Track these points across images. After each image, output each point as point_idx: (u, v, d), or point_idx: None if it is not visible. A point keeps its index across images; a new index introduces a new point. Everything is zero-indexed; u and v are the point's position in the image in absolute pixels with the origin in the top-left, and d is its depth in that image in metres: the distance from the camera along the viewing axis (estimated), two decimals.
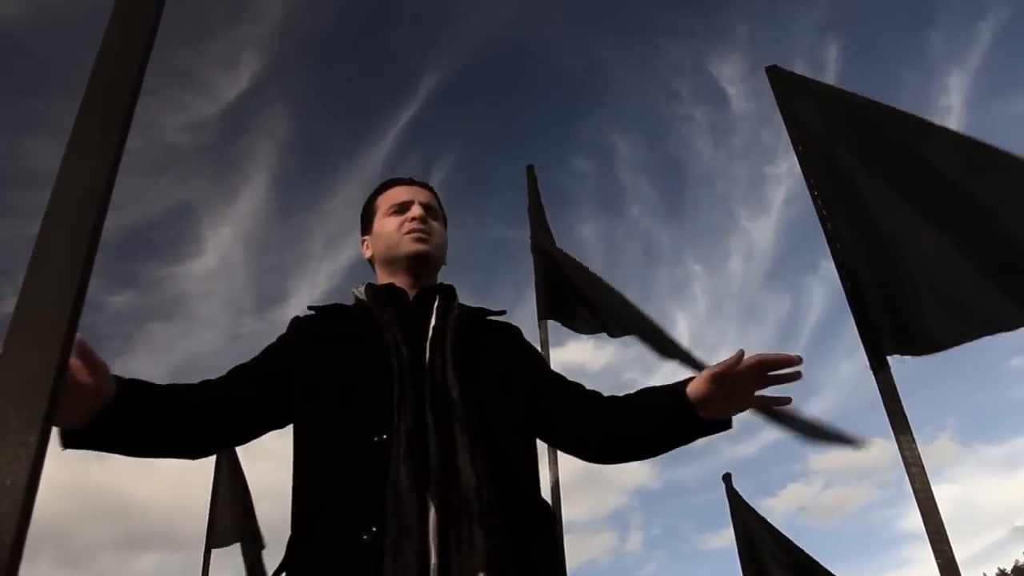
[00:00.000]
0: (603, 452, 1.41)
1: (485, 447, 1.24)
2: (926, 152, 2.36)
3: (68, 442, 1.19)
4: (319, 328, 1.46)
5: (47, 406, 0.75)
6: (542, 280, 4.20)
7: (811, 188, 2.70)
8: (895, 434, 2.43)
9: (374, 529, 1.12)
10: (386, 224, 1.60)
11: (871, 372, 2.47)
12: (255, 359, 1.45)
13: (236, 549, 5.60)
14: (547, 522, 1.31)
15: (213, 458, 5.71)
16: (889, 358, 2.47)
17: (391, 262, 1.57)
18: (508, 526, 1.18)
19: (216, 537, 5.56)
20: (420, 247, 1.54)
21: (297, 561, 1.21)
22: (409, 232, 1.55)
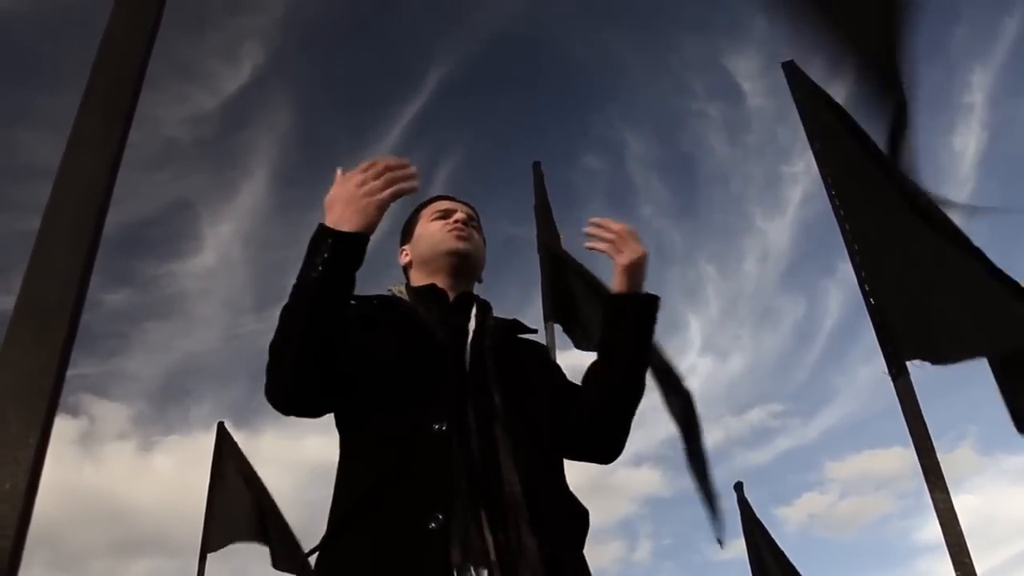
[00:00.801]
0: (609, 410, 1.46)
1: (526, 448, 1.27)
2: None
3: (359, 240, 1.27)
4: (365, 312, 1.45)
5: (47, 407, 0.75)
6: (548, 282, 4.20)
7: (828, 188, 2.70)
8: (914, 442, 2.42)
9: (440, 516, 1.13)
10: (429, 227, 1.64)
11: (889, 378, 2.47)
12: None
13: (232, 555, 5.62)
14: (584, 520, 1.35)
15: (209, 460, 5.74)
16: (908, 364, 2.47)
17: (431, 261, 1.59)
18: (554, 529, 1.22)
19: (212, 541, 5.57)
20: (462, 245, 1.57)
21: (354, 534, 1.21)
22: (452, 230, 1.59)
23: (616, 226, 1.51)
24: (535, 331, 1.64)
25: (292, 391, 1.29)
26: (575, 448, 1.46)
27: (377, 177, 1.31)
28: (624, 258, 1.47)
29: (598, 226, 1.51)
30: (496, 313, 1.59)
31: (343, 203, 1.29)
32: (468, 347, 1.40)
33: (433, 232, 1.62)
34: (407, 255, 1.68)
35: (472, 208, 1.73)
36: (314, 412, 1.35)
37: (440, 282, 1.56)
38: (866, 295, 2.56)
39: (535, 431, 1.33)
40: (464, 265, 1.59)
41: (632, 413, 1.47)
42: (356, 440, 1.33)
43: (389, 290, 1.59)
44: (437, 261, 1.58)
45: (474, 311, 1.52)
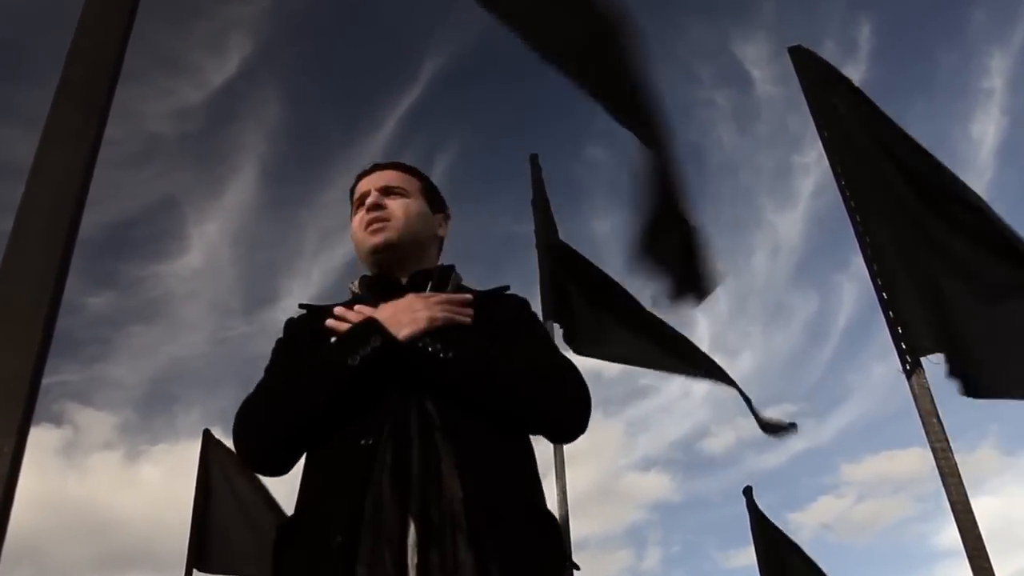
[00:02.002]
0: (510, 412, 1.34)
1: (472, 453, 1.22)
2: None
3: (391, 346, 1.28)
4: (315, 328, 1.44)
5: (23, 414, 0.74)
6: (548, 280, 4.20)
7: (838, 178, 2.69)
8: (930, 442, 2.42)
9: (339, 538, 1.12)
10: (353, 223, 1.62)
11: (904, 376, 2.47)
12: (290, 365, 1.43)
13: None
14: (550, 533, 1.27)
15: (195, 472, 5.72)
16: (923, 360, 2.47)
17: (365, 260, 1.59)
18: (502, 541, 1.14)
19: (207, 561, 5.53)
20: (377, 239, 1.54)
21: (280, 558, 1.24)
22: (366, 227, 1.56)
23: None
24: (506, 288, 1.57)
25: (280, 461, 1.32)
26: (526, 429, 1.37)
27: (446, 310, 1.35)
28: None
29: None
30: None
31: (400, 310, 1.33)
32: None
33: (355, 230, 1.60)
34: None
35: (394, 167, 1.66)
36: (286, 472, 1.35)
37: (387, 271, 1.55)
38: (878, 289, 2.56)
39: (485, 423, 1.27)
40: (393, 253, 1.55)
41: (528, 389, 1.33)
42: (305, 461, 1.33)
43: (349, 287, 1.59)
44: (369, 260, 1.57)
45: (428, 292, 1.46)
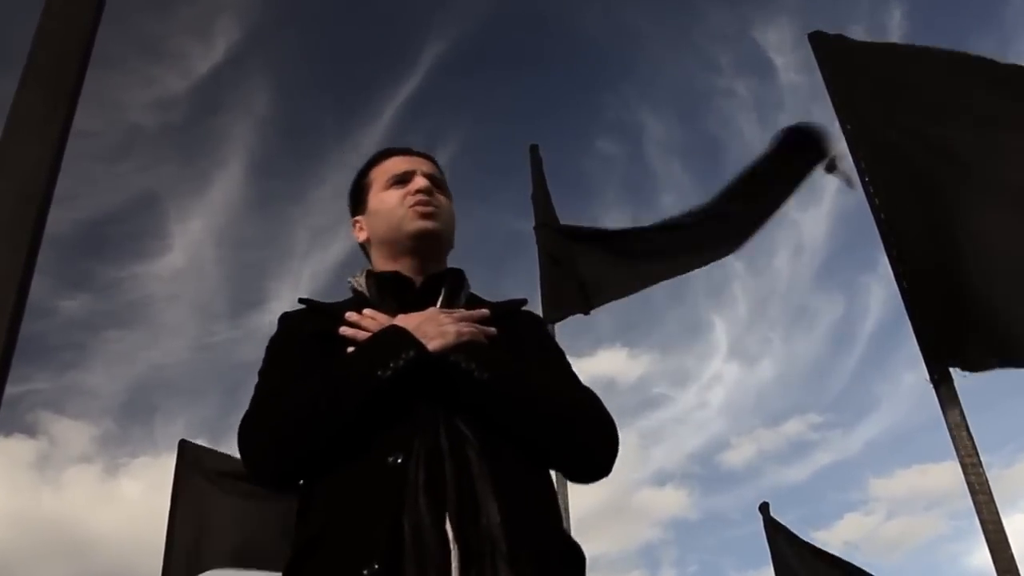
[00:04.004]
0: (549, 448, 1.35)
1: (506, 476, 1.22)
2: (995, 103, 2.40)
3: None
4: (318, 328, 1.41)
5: None
6: (547, 267, 4.21)
7: (861, 173, 2.70)
8: (959, 457, 2.42)
9: (376, 567, 1.10)
10: (385, 199, 1.56)
11: (931, 385, 2.47)
12: (298, 368, 1.39)
13: None
14: (579, 563, 1.29)
15: (169, 487, 5.72)
16: (952, 369, 2.46)
17: (393, 244, 1.53)
18: (539, 568, 1.16)
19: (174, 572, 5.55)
20: (428, 224, 1.51)
21: None
22: (414, 206, 1.51)
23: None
24: (524, 302, 1.57)
25: (293, 476, 1.30)
26: (549, 463, 1.38)
27: (471, 325, 1.35)
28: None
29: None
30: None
31: (426, 321, 1.32)
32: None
33: (392, 207, 1.54)
34: (362, 229, 1.62)
35: (432, 160, 1.65)
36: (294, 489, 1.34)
37: (405, 267, 1.52)
38: (904, 292, 2.56)
39: (514, 458, 1.27)
40: (431, 246, 1.53)
41: (569, 432, 1.35)
42: (311, 481, 1.31)
43: (349, 282, 1.55)
44: (400, 245, 1.52)
45: (441, 297, 1.46)
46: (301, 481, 1.31)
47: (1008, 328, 2.39)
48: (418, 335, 1.28)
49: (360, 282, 1.52)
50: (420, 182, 1.54)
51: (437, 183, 1.59)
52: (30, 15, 1.19)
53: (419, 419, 1.25)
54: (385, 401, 1.24)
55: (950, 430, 2.43)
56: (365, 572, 1.09)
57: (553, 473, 1.39)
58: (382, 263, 1.55)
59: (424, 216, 1.51)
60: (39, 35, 1.28)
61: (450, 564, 1.10)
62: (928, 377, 2.48)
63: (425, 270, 1.51)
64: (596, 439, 1.35)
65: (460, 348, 1.29)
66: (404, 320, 1.33)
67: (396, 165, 1.60)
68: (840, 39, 2.85)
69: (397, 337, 1.28)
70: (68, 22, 1.24)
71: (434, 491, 1.17)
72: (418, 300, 1.44)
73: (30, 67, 1.23)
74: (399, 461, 1.19)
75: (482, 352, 1.31)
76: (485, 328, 1.36)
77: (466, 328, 1.33)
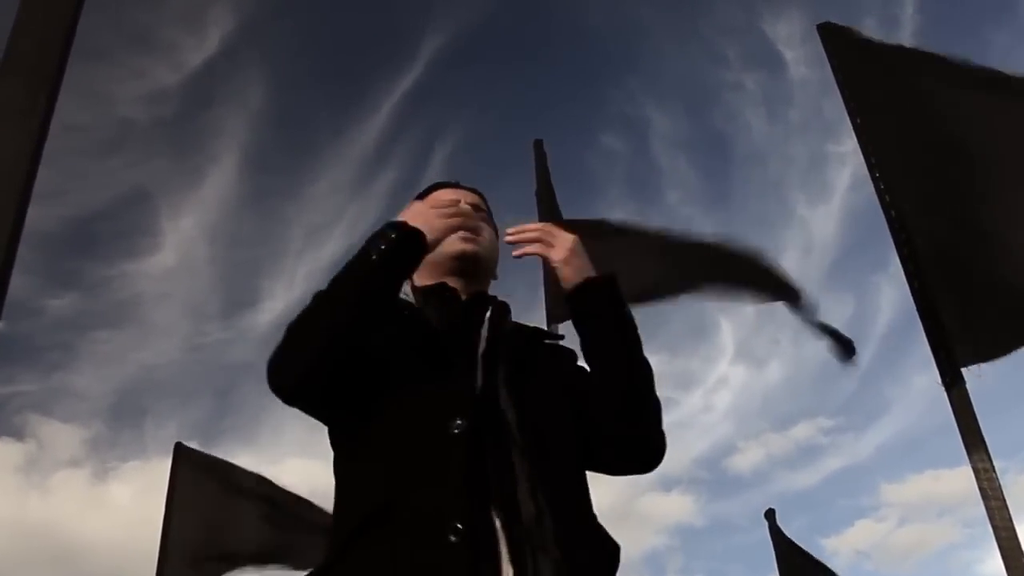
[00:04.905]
0: (629, 407, 1.46)
1: (545, 477, 1.29)
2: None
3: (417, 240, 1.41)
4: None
5: None
6: (552, 279, 4.21)
7: (871, 168, 2.68)
8: (971, 461, 2.41)
9: (461, 527, 1.14)
10: None
11: (943, 388, 2.47)
12: None
13: None
14: (614, 560, 1.35)
15: (161, 491, 5.72)
16: (965, 372, 2.46)
17: (435, 266, 1.60)
18: (578, 564, 1.23)
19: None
20: (468, 247, 1.60)
21: (364, 551, 1.21)
22: (456, 229, 1.58)
23: (533, 225, 1.59)
24: (561, 337, 1.66)
25: (309, 374, 1.34)
26: (611, 461, 1.48)
27: (456, 216, 1.50)
28: (559, 252, 1.52)
29: (517, 232, 1.57)
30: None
31: (415, 215, 1.44)
32: (480, 355, 1.42)
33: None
34: None
35: (479, 194, 1.77)
36: (318, 406, 1.41)
37: (450, 282, 1.60)
38: (915, 292, 2.56)
39: (555, 452, 1.35)
40: (473, 268, 1.62)
41: (651, 401, 1.48)
42: (358, 450, 1.36)
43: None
44: (442, 265, 1.60)
45: (488, 314, 1.53)
46: (329, 388, 1.35)
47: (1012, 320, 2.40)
48: (410, 219, 1.42)
49: (405, 291, 1.58)
50: (465, 208, 1.62)
51: (480, 212, 1.71)
52: (9, 2, 1.19)
53: (460, 399, 1.31)
54: (386, 283, 1.37)
55: (962, 434, 2.42)
56: (453, 538, 1.13)
57: None
58: (425, 278, 1.62)
59: (464, 240, 1.59)
60: (18, 23, 1.28)
61: (499, 547, 1.17)
62: (940, 380, 2.48)
63: (468, 288, 1.60)
64: (661, 417, 1.49)
65: (612, 280, 1.50)
66: (402, 214, 1.46)
67: (442, 195, 1.71)
68: (850, 32, 2.84)
69: (385, 226, 1.41)
70: (48, 9, 1.23)
71: (477, 481, 1.21)
72: (464, 314, 1.53)
73: (9, 56, 1.22)
74: (460, 429, 1.24)
75: (613, 289, 1.49)
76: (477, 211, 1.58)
77: (456, 223, 1.49)
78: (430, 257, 1.57)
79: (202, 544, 5.59)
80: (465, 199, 1.69)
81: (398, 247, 1.37)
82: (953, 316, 2.49)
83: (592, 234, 4.26)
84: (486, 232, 1.68)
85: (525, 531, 1.20)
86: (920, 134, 2.62)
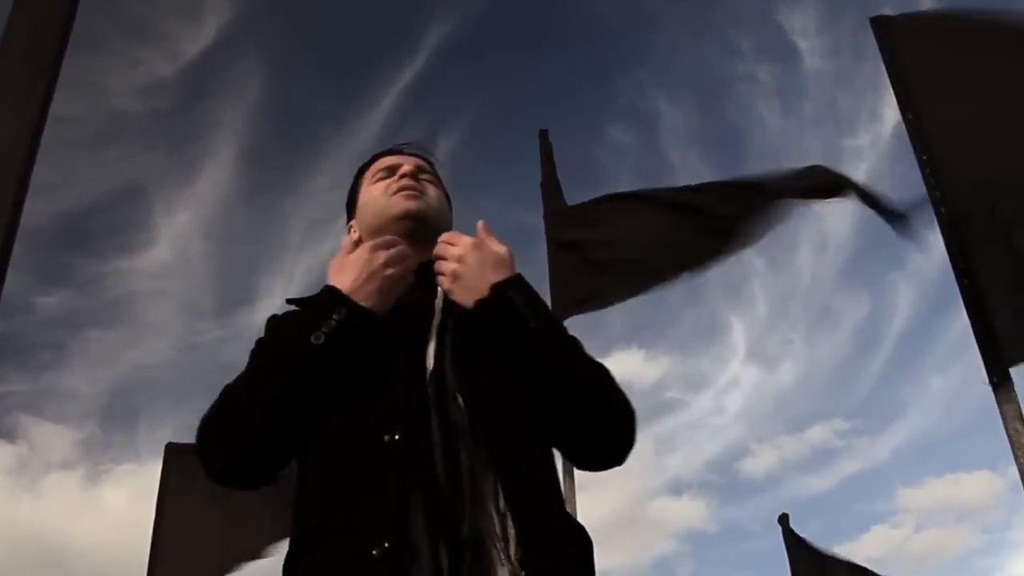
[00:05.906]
0: (570, 417, 1.36)
1: (501, 464, 1.24)
2: None
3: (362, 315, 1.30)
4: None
5: None
6: (556, 262, 4.19)
7: (922, 165, 2.64)
8: (1017, 462, 2.38)
9: (386, 544, 1.12)
10: (371, 191, 1.65)
11: (990, 388, 2.43)
12: None
13: None
14: (585, 547, 1.31)
15: (154, 495, 5.66)
16: (1012, 370, 2.42)
17: (380, 229, 1.57)
18: (538, 555, 1.18)
19: None
20: (411, 204, 1.57)
21: (303, 562, 1.21)
22: (398, 191, 1.59)
23: (443, 237, 1.47)
24: None
25: (247, 467, 1.31)
26: (566, 455, 1.42)
27: (401, 261, 1.38)
28: (445, 280, 1.41)
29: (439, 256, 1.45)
30: None
31: (366, 277, 1.34)
32: (432, 338, 1.37)
33: (377, 196, 1.62)
34: (356, 231, 1.66)
35: (424, 157, 1.72)
36: (266, 482, 1.34)
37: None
38: (964, 290, 2.51)
39: (514, 435, 1.29)
40: (422, 228, 1.56)
41: (598, 405, 1.36)
42: (306, 463, 1.33)
43: None
44: (387, 230, 1.55)
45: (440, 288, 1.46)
46: (263, 473, 1.32)
47: None
48: (357, 295, 1.31)
49: None
50: (406, 167, 1.62)
51: (424, 172, 1.67)
52: None
53: (407, 386, 1.27)
54: (325, 369, 1.27)
55: (1009, 437, 2.38)
56: (375, 552, 1.10)
57: (560, 475, 1.39)
58: None
59: (408, 197, 1.57)
60: (16, 7, 1.23)
61: (439, 551, 1.13)
62: (987, 380, 2.44)
63: (420, 257, 1.50)
64: (623, 417, 1.36)
65: (515, 284, 1.34)
66: (340, 271, 1.36)
67: (384, 161, 1.69)
68: (904, 21, 2.80)
69: (329, 298, 1.32)
70: None
71: (425, 476, 1.19)
72: (413, 292, 1.45)
73: (6, 41, 1.18)
74: (396, 439, 1.21)
75: (534, 299, 1.36)
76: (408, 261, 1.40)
77: (401, 274, 1.38)
78: (374, 222, 1.58)
79: (193, 547, 5.56)
80: (407, 162, 1.65)
81: (345, 329, 1.28)
82: (1004, 313, 2.45)
83: (613, 211, 4.22)
84: (431, 190, 1.63)
85: (477, 529, 1.17)
86: (983, 125, 2.58)
